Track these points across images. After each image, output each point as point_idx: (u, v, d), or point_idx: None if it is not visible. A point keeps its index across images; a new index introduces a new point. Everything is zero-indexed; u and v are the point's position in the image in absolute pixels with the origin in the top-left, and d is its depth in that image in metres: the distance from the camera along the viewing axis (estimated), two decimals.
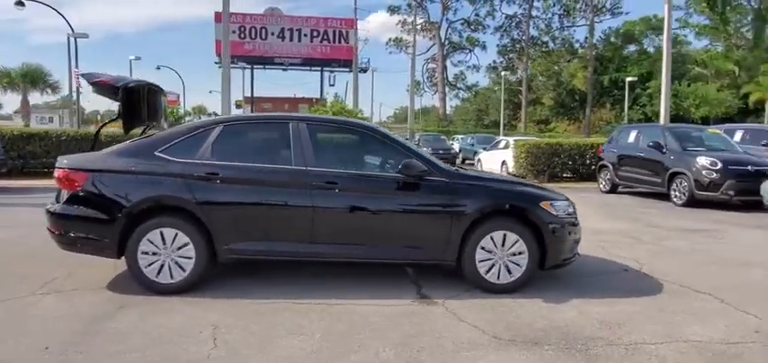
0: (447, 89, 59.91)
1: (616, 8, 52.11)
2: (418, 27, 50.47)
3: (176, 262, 4.54)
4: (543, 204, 4.86)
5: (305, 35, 46.57)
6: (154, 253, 4.52)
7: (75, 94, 27.48)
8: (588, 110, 49.94)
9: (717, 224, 9.08)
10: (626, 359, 3.49)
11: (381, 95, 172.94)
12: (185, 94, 59.40)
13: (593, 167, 15.87)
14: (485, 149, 22.82)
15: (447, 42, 58.80)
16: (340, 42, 46.46)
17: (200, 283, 4.65)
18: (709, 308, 4.55)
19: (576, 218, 5.13)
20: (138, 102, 5.24)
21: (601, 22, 53.35)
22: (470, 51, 59.37)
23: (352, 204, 4.71)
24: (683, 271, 5.72)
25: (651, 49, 51.33)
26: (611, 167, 13.73)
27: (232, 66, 24.96)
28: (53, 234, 4.66)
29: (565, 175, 16.93)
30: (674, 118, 20.10)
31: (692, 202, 10.97)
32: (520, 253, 4.78)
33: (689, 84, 41.35)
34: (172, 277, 4.54)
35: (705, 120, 37.44)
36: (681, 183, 11.34)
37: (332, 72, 48.38)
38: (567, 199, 5.14)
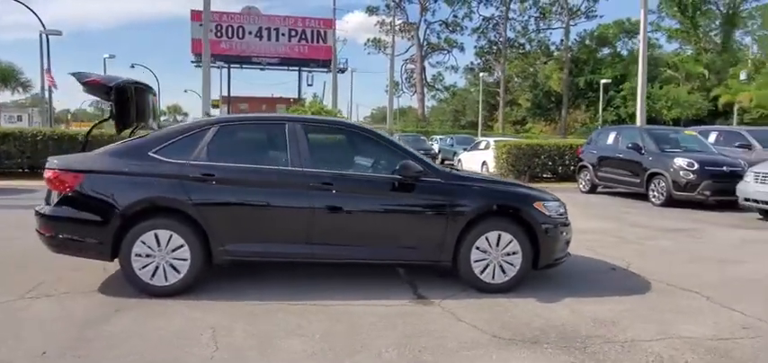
0: (425, 90, 60.23)
1: (591, 12, 53.13)
2: (397, 28, 50.59)
3: (171, 264, 4.48)
4: (537, 205, 4.94)
5: (282, 34, 46.28)
6: (148, 255, 4.45)
7: (47, 93, 26.84)
8: (564, 112, 50.72)
9: (695, 223, 9.33)
10: (623, 356, 3.58)
11: (358, 95, 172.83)
12: (160, 93, 58.46)
13: (572, 168, 16.15)
14: (465, 150, 23.02)
15: (425, 43, 59.11)
16: (318, 42, 46.30)
17: (195, 285, 4.61)
18: (696, 306, 4.68)
19: (567, 218, 5.23)
20: (130, 102, 5.16)
21: (576, 24, 54.42)
22: (448, 52, 59.85)
23: (349, 205, 4.72)
24: (668, 270, 5.88)
25: (624, 53, 52.44)
26: (590, 168, 13.98)
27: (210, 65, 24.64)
28: (43, 236, 4.56)
29: (545, 176, 17.18)
30: (647, 119, 20.60)
31: (670, 202, 11.25)
32: (514, 253, 4.85)
33: (661, 86, 42.30)
34: (166, 279, 4.48)
35: (676, 122, 38.39)
36: (659, 184, 11.62)
37: (310, 72, 48.17)
38: (558, 200, 5.23)
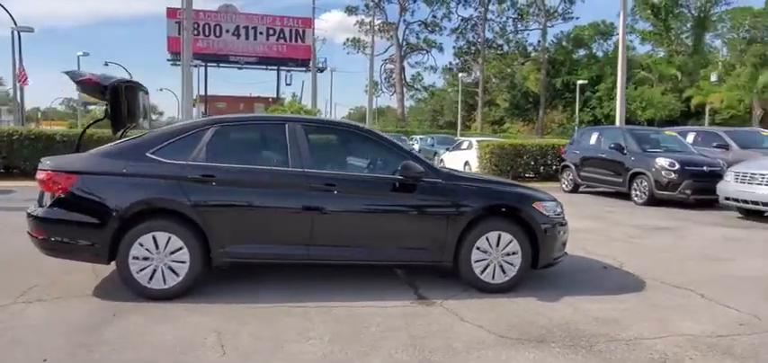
0: (404, 90, 60.38)
1: (567, 13, 54.07)
2: (376, 28, 50.57)
3: (169, 267, 4.39)
4: (536, 205, 4.97)
5: (261, 33, 45.85)
6: (145, 258, 4.35)
7: (19, 90, 26.09)
8: (541, 112, 51.42)
9: (679, 222, 9.52)
10: (629, 355, 3.62)
11: (337, 95, 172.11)
12: None
13: (555, 168, 16.35)
14: (447, 150, 23.09)
15: (404, 43, 59.35)
16: (297, 41, 46.00)
17: (194, 288, 4.52)
18: (693, 303, 4.77)
19: (564, 218, 5.28)
20: (124, 101, 5.03)
21: (553, 26, 55.37)
22: (427, 52, 60.18)
23: (350, 206, 4.69)
24: (659, 268, 5.98)
25: (600, 54, 53.38)
26: (573, 167, 14.16)
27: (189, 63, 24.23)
28: (35, 238, 4.42)
29: (527, 175, 17.34)
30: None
31: (652, 201, 11.46)
32: (514, 253, 4.87)
33: (635, 87, 43.17)
34: (165, 282, 4.39)
35: (650, 122, 39.24)
36: (641, 183, 11.83)
37: (288, 71, 47.85)
38: (555, 200, 5.28)
